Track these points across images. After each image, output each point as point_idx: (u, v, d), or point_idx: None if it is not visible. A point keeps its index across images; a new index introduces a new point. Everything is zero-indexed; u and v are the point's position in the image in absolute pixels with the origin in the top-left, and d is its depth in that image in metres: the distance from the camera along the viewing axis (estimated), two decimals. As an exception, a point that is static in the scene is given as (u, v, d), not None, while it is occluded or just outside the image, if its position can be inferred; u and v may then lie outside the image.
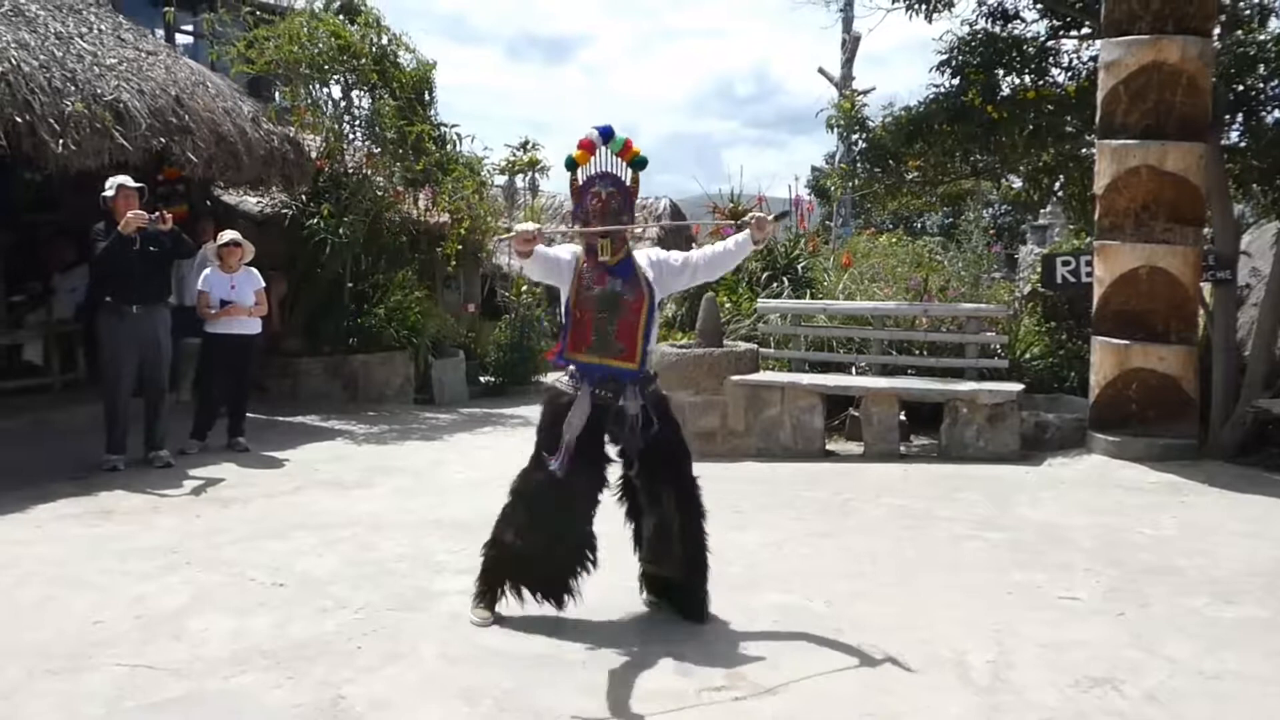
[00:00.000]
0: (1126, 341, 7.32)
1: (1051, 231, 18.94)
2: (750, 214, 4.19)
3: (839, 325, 8.91)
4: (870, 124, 9.99)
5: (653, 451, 4.05)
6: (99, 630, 4.09)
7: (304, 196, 11.39)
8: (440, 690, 3.53)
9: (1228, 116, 8.13)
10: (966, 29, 9.49)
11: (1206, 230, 7.80)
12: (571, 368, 4.12)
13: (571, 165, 4.11)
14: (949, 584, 4.70)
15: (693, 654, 3.81)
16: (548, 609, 4.14)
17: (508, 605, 4.21)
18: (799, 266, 10.38)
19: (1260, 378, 7.33)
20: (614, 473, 4.18)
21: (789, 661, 3.76)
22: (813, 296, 9.65)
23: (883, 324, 8.63)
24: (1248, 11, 8.88)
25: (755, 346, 8.61)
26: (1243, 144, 8.45)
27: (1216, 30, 7.82)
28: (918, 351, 8.66)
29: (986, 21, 9.54)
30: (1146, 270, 7.24)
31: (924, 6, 9.34)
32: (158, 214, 7.20)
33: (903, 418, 8.02)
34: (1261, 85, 8.07)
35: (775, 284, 10.02)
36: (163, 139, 8.47)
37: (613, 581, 4.27)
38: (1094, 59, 8.42)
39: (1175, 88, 7.11)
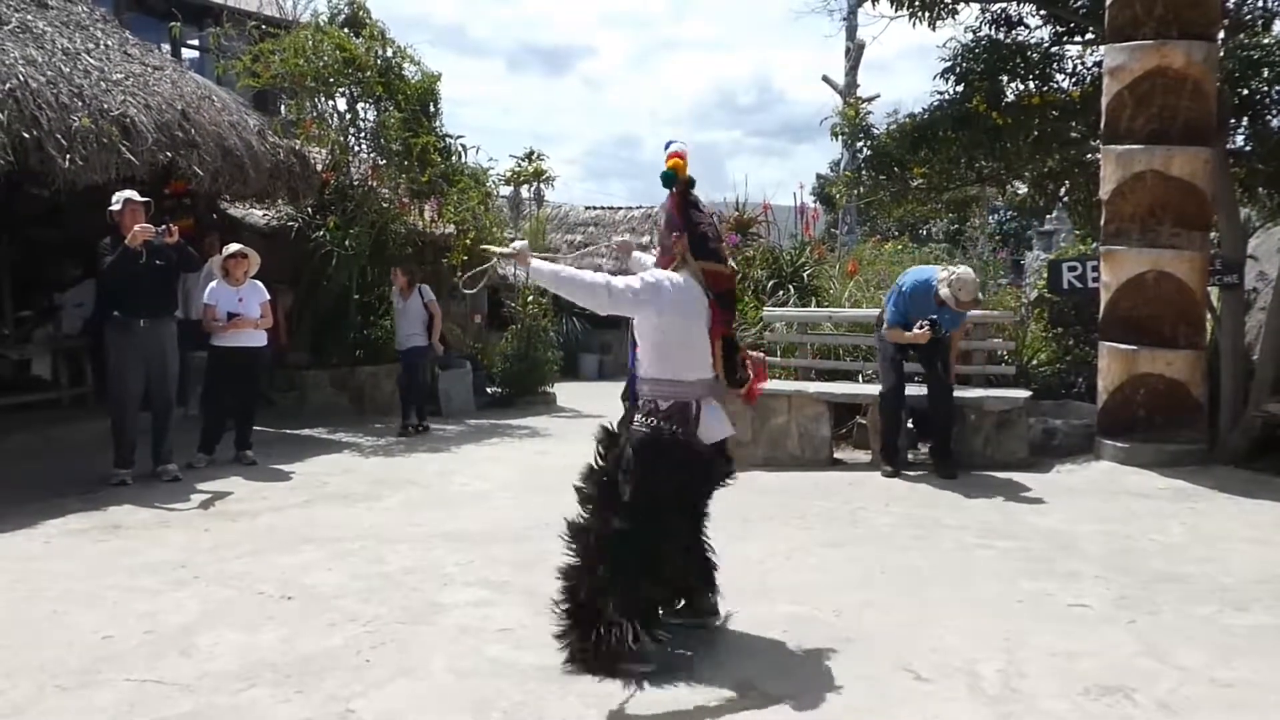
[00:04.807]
0: (1134, 347, 7.31)
1: (1057, 237, 18.94)
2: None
3: (845, 333, 8.90)
4: (875, 131, 10.00)
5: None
6: (108, 646, 4.09)
7: (310, 209, 11.45)
8: (449, 703, 3.52)
9: (1233, 121, 8.12)
10: (970, 36, 9.50)
11: (1213, 235, 7.78)
12: None
13: (674, 179, 3.91)
14: (958, 593, 4.69)
15: (702, 665, 3.80)
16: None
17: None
18: (804, 274, 10.38)
19: (1269, 382, 7.30)
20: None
21: (799, 672, 3.75)
22: (818, 304, 9.65)
23: (889, 331, 8.61)
24: (1250, 15, 8.88)
25: (762, 355, 8.59)
26: (1248, 148, 8.44)
27: (1220, 34, 7.81)
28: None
29: (990, 28, 9.56)
30: (1153, 275, 7.23)
31: (927, 14, 9.36)
32: (164, 227, 7.22)
33: (910, 425, 8.00)
34: (1266, 89, 8.06)
35: (781, 292, 10.01)
36: (169, 153, 8.50)
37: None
38: (1098, 64, 8.42)
39: (1180, 92, 7.10)
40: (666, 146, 3.96)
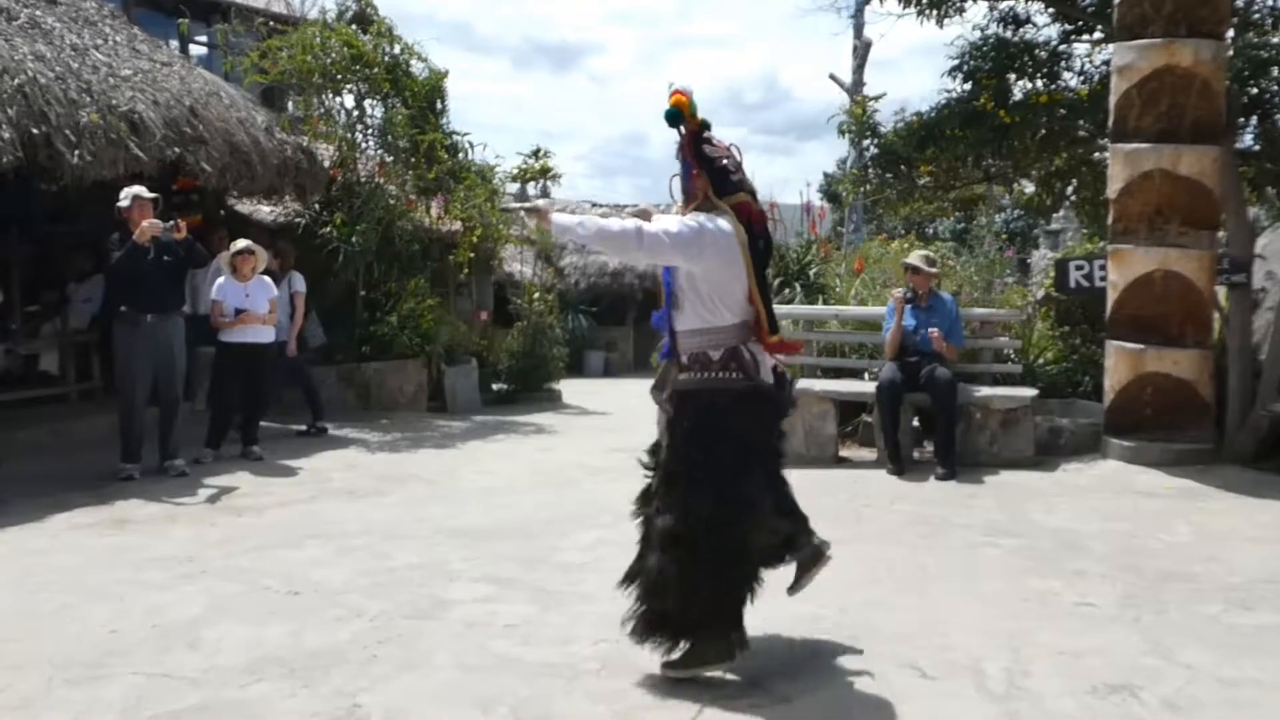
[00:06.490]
0: (1141, 346, 7.29)
1: (1064, 236, 18.93)
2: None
3: (851, 331, 8.89)
4: (882, 129, 9.99)
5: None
6: (115, 639, 4.11)
7: (317, 205, 11.48)
8: (455, 699, 3.53)
9: (1241, 120, 8.10)
10: (978, 34, 9.49)
11: (1221, 234, 7.76)
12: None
13: (679, 117, 3.65)
14: (964, 591, 4.69)
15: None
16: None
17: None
18: (811, 272, 10.37)
19: (1276, 381, 7.27)
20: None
21: (804, 670, 3.76)
22: (825, 302, 9.64)
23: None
24: (1259, 14, 8.86)
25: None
26: (1257, 147, 8.43)
27: (1229, 33, 7.79)
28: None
29: (998, 26, 9.55)
30: (1161, 274, 7.22)
31: (935, 12, 9.35)
32: (172, 223, 7.24)
33: (916, 423, 8.00)
34: (1275, 88, 8.06)
35: (787, 289, 10.01)
36: (177, 149, 8.53)
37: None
38: (1106, 63, 8.41)
39: (1188, 91, 7.08)
40: (669, 88, 3.74)
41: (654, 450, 3.85)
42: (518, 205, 4.00)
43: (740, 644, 3.63)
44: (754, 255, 3.69)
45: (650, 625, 3.64)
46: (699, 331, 3.66)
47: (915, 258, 7.89)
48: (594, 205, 23.51)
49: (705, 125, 3.74)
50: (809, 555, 3.94)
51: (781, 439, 3.96)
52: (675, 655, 3.64)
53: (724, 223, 3.65)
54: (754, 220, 3.73)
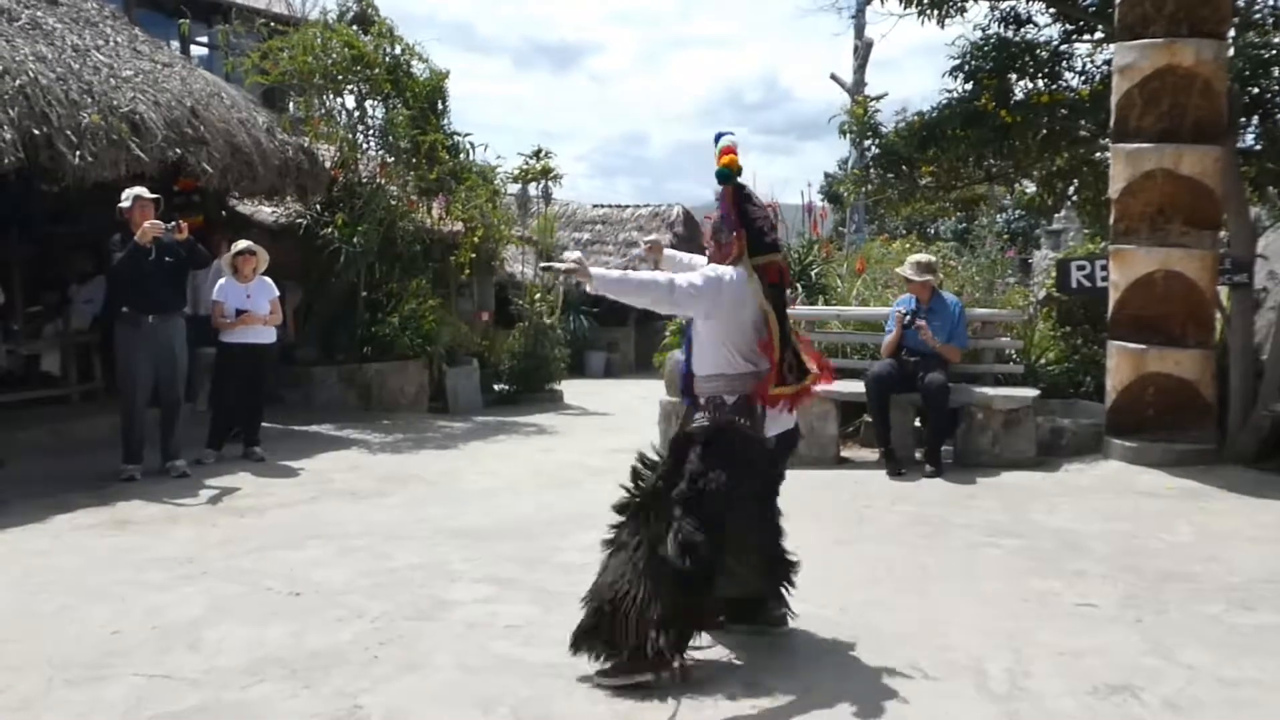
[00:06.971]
0: (1143, 346, 7.29)
1: (1066, 236, 18.92)
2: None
3: (853, 331, 8.88)
4: (883, 129, 9.98)
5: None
6: (116, 640, 4.11)
7: (318, 206, 11.49)
8: (456, 699, 3.53)
9: (1243, 119, 8.09)
10: (979, 34, 9.48)
11: (1222, 234, 7.76)
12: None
13: (730, 177, 3.85)
14: (965, 591, 4.68)
15: (709, 663, 3.80)
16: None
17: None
18: (812, 273, 10.36)
19: (1277, 381, 7.27)
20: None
21: (805, 670, 3.76)
22: (826, 303, 9.63)
23: (896, 330, 8.58)
24: (1260, 14, 8.85)
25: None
26: (1258, 147, 8.41)
27: (1230, 33, 7.78)
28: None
29: (999, 26, 9.53)
30: (1162, 274, 7.21)
31: (936, 12, 9.33)
32: (173, 224, 7.25)
33: (917, 423, 7.99)
34: (1277, 88, 8.03)
35: (788, 290, 9.99)
36: (178, 150, 8.53)
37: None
38: (1107, 63, 8.39)
39: (1190, 91, 7.07)
40: (717, 140, 3.88)
41: (651, 465, 3.91)
42: (553, 264, 3.98)
43: (675, 660, 3.63)
44: (778, 306, 3.84)
45: (590, 633, 3.68)
46: (715, 377, 3.86)
47: (907, 267, 7.83)
48: (595, 206, 23.51)
49: (739, 171, 3.88)
50: (776, 619, 4.09)
51: (774, 498, 4.07)
52: (609, 665, 3.64)
53: (743, 272, 3.81)
54: (773, 278, 3.87)
